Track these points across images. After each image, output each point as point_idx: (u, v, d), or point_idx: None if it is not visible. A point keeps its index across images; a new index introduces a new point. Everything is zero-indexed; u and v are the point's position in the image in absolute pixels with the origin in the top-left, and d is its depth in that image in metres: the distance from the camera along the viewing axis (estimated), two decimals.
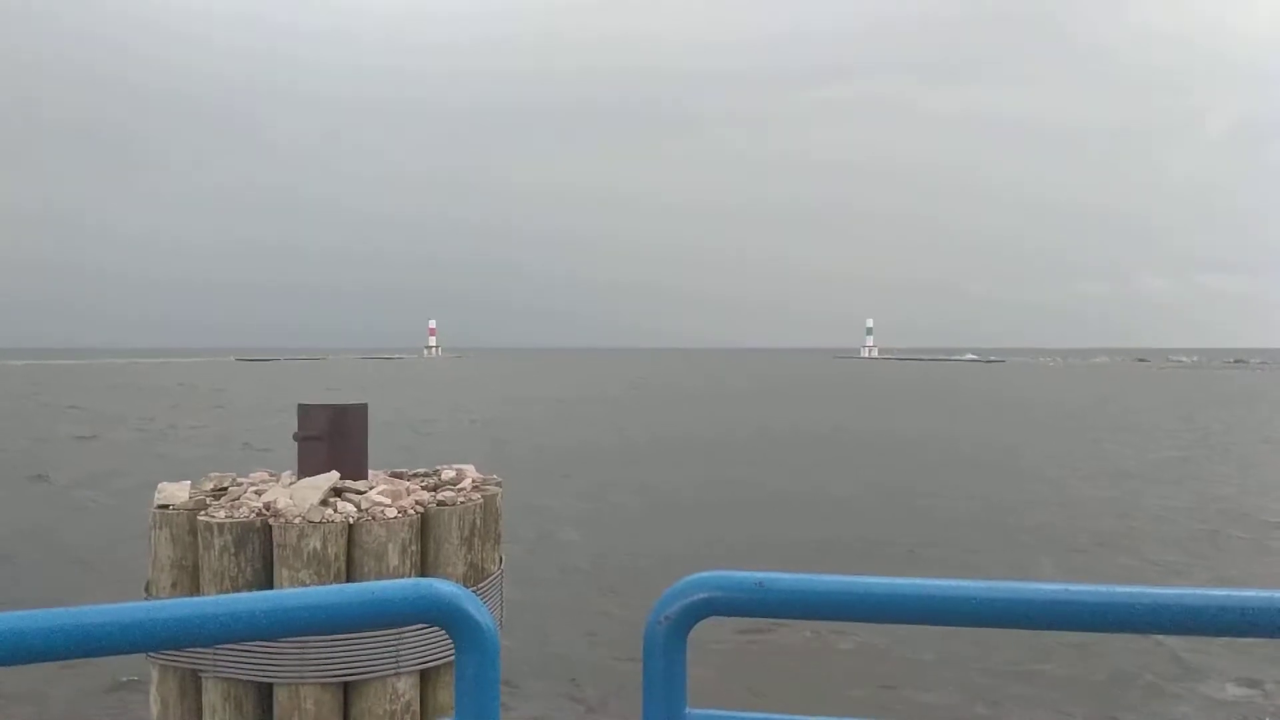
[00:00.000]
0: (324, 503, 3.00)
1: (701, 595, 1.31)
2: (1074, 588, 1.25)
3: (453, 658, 1.33)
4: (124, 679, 5.94)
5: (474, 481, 3.46)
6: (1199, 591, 1.23)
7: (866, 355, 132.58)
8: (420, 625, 2.56)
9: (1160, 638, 6.25)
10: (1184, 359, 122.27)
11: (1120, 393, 44.99)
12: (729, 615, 1.33)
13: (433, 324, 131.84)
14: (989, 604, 1.25)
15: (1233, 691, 5.97)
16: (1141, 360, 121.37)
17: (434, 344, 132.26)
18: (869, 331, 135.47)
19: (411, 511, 2.99)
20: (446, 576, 2.97)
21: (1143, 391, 46.42)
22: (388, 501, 3.00)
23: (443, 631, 1.28)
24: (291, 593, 1.26)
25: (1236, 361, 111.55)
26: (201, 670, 2.81)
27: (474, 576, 3.07)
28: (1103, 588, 1.25)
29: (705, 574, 1.34)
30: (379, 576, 2.84)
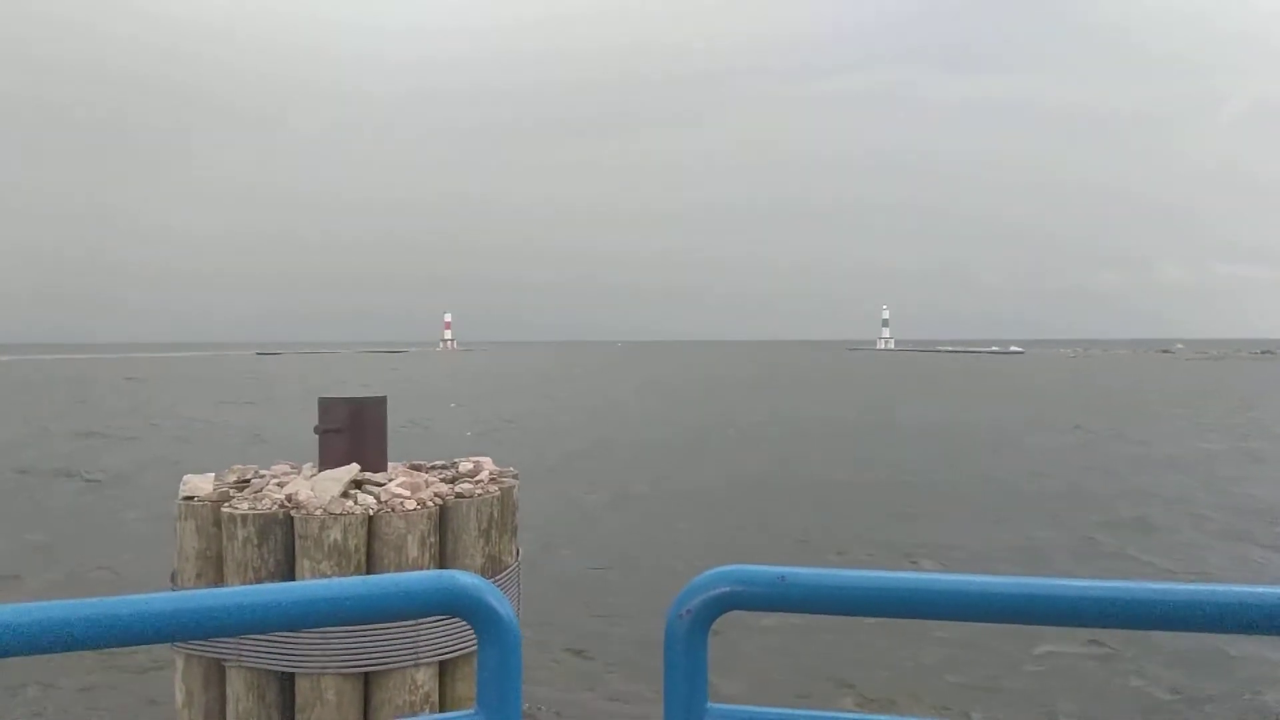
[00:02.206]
0: (344, 495, 3.03)
1: (722, 589, 1.30)
2: (1101, 584, 1.22)
3: (470, 649, 1.33)
4: (148, 667, 6.02)
5: (491, 474, 3.48)
6: (1225, 588, 1.20)
7: (882, 347, 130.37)
8: (438, 617, 2.58)
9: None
10: (1210, 351, 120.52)
11: (1154, 383, 44.31)
12: (750, 609, 1.32)
13: (448, 317, 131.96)
14: (1015, 600, 1.23)
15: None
16: (1165, 351, 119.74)
17: (449, 337, 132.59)
18: (884, 323, 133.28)
19: (430, 504, 3.01)
20: (465, 568, 2.98)
21: (1173, 383, 45.75)
22: (407, 494, 3.02)
23: (461, 623, 1.28)
24: (316, 584, 1.27)
25: (1264, 353, 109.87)
26: (225, 660, 2.85)
27: (492, 568, 3.09)
28: (1133, 584, 1.22)
29: (726, 568, 1.33)
30: (398, 568, 2.86)
